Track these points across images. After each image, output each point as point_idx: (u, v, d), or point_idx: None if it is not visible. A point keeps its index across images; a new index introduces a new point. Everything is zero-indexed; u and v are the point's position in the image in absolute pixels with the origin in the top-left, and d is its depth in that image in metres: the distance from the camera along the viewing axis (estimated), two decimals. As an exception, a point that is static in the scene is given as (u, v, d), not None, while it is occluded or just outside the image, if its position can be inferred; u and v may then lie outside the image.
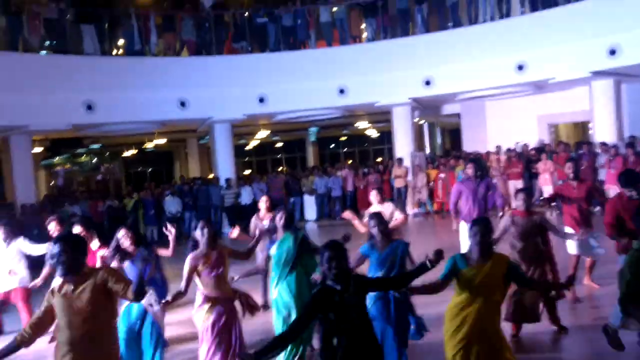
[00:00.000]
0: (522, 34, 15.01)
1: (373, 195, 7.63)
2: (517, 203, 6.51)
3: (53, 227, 7.60)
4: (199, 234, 5.30)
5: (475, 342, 4.25)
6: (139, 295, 3.81)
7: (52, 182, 26.00)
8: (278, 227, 6.13)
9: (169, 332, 6.77)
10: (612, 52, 13.85)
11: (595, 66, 14.29)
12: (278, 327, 5.93)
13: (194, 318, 5.35)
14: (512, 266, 4.48)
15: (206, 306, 5.21)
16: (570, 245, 7.50)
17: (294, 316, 5.74)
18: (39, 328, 3.85)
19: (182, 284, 5.20)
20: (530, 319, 6.21)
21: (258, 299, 7.22)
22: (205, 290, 5.25)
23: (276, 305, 5.97)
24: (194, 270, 5.21)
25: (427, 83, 16.41)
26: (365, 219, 6.02)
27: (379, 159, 26.21)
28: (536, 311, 6.21)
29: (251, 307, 5.63)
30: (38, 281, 7.45)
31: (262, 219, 7.99)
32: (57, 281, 3.91)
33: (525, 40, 15.02)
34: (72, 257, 3.76)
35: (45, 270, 7.32)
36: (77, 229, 6.96)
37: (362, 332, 3.86)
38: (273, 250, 6.07)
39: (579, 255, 7.54)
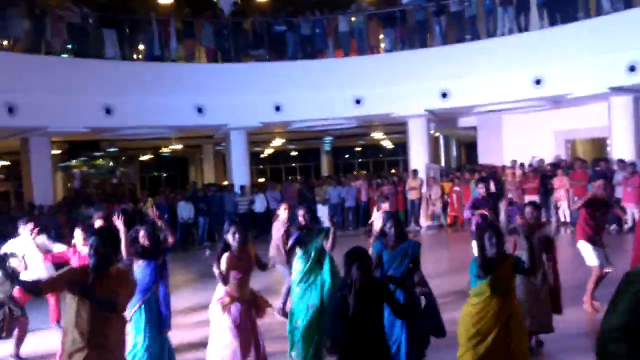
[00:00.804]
0: (541, 49, 14.91)
1: (386, 205, 7.88)
2: (527, 216, 6.55)
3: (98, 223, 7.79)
4: (231, 238, 5.36)
5: (494, 330, 4.52)
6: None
7: (69, 184, 26.27)
8: (301, 223, 6.34)
9: (179, 338, 6.82)
10: (632, 69, 13.75)
11: (614, 82, 14.17)
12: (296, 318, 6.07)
13: (211, 310, 5.40)
14: (516, 259, 4.83)
15: (226, 300, 5.27)
16: (590, 257, 7.51)
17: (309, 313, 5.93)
18: (53, 284, 4.02)
19: (222, 282, 5.27)
20: (543, 329, 6.23)
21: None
22: (227, 288, 5.33)
23: (299, 301, 6.11)
24: (230, 268, 5.27)
25: (444, 95, 16.38)
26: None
27: (393, 170, 26.19)
28: (549, 321, 6.24)
29: (262, 306, 5.63)
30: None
31: (283, 223, 8.20)
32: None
33: (544, 54, 14.93)
34: (107, 251, 3.95)
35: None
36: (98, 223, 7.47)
37: (375, 341, 3.86)
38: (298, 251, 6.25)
39: (600, 267, 7.44)
